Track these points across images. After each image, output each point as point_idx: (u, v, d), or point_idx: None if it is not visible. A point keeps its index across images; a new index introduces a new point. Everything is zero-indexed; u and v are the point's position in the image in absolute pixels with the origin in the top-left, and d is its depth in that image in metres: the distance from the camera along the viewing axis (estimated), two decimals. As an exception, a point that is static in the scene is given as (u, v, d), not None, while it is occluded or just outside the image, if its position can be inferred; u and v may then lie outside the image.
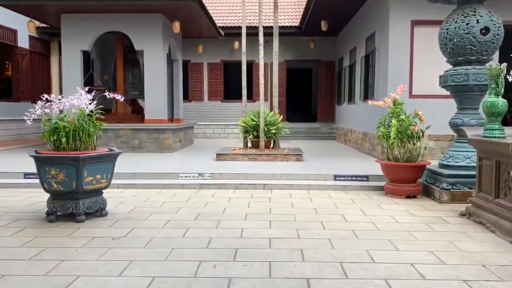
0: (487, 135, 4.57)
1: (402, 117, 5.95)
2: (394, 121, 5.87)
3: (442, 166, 6.04)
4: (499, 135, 4.50)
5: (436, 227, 4.45)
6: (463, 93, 5.90)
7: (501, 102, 4.52)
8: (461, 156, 5.89)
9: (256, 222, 4.65)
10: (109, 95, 4.94)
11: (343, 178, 6.83)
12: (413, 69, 8.94)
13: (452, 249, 3.76)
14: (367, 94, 10.88)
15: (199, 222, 4.66)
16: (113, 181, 6.48)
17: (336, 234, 4.19)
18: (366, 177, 6.85)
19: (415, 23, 8.89)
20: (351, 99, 13.05)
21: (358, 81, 12.00)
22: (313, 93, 19.76)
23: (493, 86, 4.58)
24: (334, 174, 6.91)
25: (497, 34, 5.69)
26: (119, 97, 4.97)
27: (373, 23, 10.38)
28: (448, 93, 8.69)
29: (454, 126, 6.01)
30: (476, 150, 4.83)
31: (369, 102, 6.47)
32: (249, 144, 9.64)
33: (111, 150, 4.98)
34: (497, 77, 4.54)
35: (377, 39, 10.02)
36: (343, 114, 14.55)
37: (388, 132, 6.00)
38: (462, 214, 4.90)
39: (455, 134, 6.25)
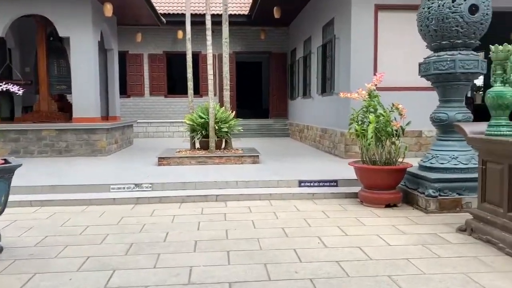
0: (492, 132, 3.69)
1: (380, 111, 5.01)
2: (371, 116, 4.91)
3: (425, 168, 5.18)
4: (507, 132, 3.64)
5: (438, 250, 3.51)
6: (448, 83, 5.05)
7: (510, 92, 3.65)
8: (447, 157, 5.04)
9: (210, 254, 3.49)
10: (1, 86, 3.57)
11: (309, 184, 5.82)
12: (377, 59, 8.11)
13: (473, 287, 2.82)
14: (325, 87, 9.99)
15: (131, 258, 3.42)
16: (26, 197, 5.11)
17: (318, 270, 3.12)
18: (335, 182, 5.88)
19: (379, 7, 8.06)
20: (306, 93, 12.15)
21: (314, 73, 11.09)
22: (263, 87, 18.76)
23: (499, 72, 3.71)
24: (298, 179, 5.87)
25: (486, 14, 4.88)
26: (15, 88, 3.59)
27: (331, 9, 9.47)
28: (416, 85, 8.05)
29: (438, 121, 5.16)
30: (478, 151, 3.96)
31: (341, 94, 5.48)
32: (198, 145, 8.42)
33: (6, 162, 3.61)
34: (505, 61, 3.67)
35: (336, 26, 9.13)
36: (297, 110, 13.65)
37: (363, 129, 5.05)
38: (461, 229, 4.02)
39: (437, 130, 5.41)
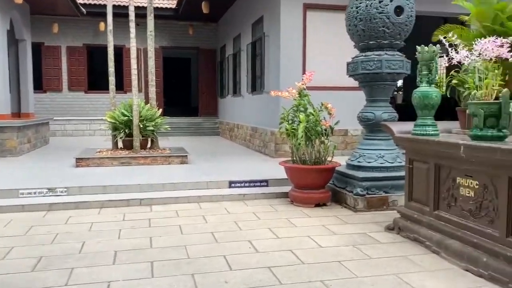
0: (418, 132, 3.74)
1: (311, 110, 4.96)
2: (302, 115, 4.83)
3: (352, 167, 5.22)
4: (432, 132, 3.71)
5: (369, 251, 3.49)
6: (375, 83, 5.12)
7: (435, 92, 3.73)
8: (374, 156, 5.12)
9: (131, 266, 3.17)
10: None
11: (239, 185, 5.64)
12: (306, 58, 8.14)
13: (405, 288, 2.80)
14: (255, 85, 9.90)
15: (38, 275, 3.00)
16: None
17: (249, 278, 2.94)
18: (266, 182, 5.76)
19: (307, 6, 8.09)
20: (236, 91, 11.99)
21: (244, 71, 10.96)
22: (193, 84, 18.32)
23: (425, 72, 3.76)
24: (229, 180, 5.67)
25: (411, 16, 5.01)
26: None
27: (260, 7, 9.38)
28: (342, 84, 8.21)
29: (365, 120, 5.22)
30: (405, 151, 4.01)
31: (272, 93, 5.36)
32: (121, 145, 7.90)
33: None
34: (430, 62, 3.74)
35: (265, 24, 9.05)
36: (227, 108, 13.45)
37: (294, 129, 4.96)
38: (389, 228, 4.05)
39: (364, 129, 5.48)
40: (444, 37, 4.04)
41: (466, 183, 3.22)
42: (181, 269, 3.10)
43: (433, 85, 3.78)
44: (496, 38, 3.71)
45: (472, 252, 3.05)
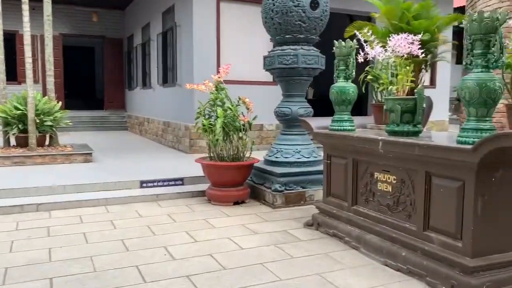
0: (336, 127, 3.73)
1: (228, 105, 4.75)
2: (219, 110, 4.61)
3: (270, 163, 5.13)
4: (349, 127, 3.72)
5: (291, 250, 3.39)
6: (291, 78, 5.06)
7: (352, 87, 3.74)
8: (291, 151, 5.08)
9: (25, 285, 2.72)
10: None
11: (152, 185, 5.27)
12: (220, 51, 7.92)
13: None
14: (167, 77, 9.45)
15: None
16: None
17: (166, 290, 2.67)
18: (181, 180, 5.46)
19: (220, -3, 7.86)
20: (146, 83, 11.39)
21: (154, 62, 10.42)
22: (97, 75, 17.15)
23: (342, 68, 3.76)
24: (140, 180, 5.27)
25: (325, 11, 5.03)
26: None
27: (171, -5, 8.94)
28: (258, 79, 8.14)
29: (282, 116, 5.15)
30: (323, 146, 3.98)
31: (187, 86, 5.04)
32: (13, 142, 7.02)
33: None
34: (348, 57, 3.74)
35: (177, 14, 8.64)
36: (136, 101, 12.75)
37: (211, 124, 4.72)
38: (309, 224, 4.01)
39: (281, 124, 5.41)
40: (358, 34, 4.09)
41: (384, 178, 3.25)
42: (86, 285, 2.72)
43: (350, 81, 3.80)
44: (408, 35, 3.82)
45: (390, 246, 3.08)
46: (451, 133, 3.92)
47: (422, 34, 3.91)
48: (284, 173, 4.82)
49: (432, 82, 10.16)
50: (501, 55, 2.44)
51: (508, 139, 2.23)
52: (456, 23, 5.57)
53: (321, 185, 4.88)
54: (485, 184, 2.53)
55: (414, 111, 3.10)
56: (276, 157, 5.10)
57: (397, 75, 3.84)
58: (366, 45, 3.99)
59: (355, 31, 4.17)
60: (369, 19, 9.47)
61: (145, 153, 8.03)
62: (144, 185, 5.23)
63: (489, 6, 4.65)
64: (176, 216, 4.34)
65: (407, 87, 3.86)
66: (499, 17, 2.42)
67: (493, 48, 2.46)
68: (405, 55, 3.83)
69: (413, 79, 3.99)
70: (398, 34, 3.86)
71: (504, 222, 2.62)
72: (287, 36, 4.96)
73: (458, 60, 14.91)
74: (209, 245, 3.49)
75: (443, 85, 10.29)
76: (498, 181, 2.56)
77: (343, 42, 3.74)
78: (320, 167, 5.00)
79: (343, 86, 3.71)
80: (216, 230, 3.89)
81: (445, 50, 6.36)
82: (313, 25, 4.94)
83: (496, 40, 2.45)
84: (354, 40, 3.80)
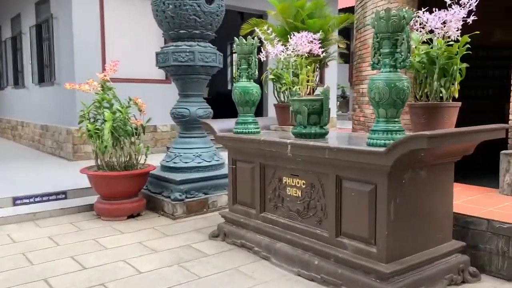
0: (240, 130, 3.49)
1: (117, 106, 4.23)
2: (107, 113, 4.07)
3: (168, 169, 4.72)
4: (254, 129, 3.50)
5: (196, 268, 3.06)
6: (188, 76, 4.70)
7: (255, 87, 3.52)
8: (191, 155, 4.73)
9: None
10: None
11: (28, 201, 4.51)
12: (106, 46, 7.21)
13: (243, 311, 2.46)
14: (44, 75, 8.39)
15: None
16: None
17: None
18: (64, 194, 4.77)
19: (104, -12, 7.14)
20: (18, 82, 10.04)
21: (28, 58, 9.20)
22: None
23: (244, 66, 3.52)
24: (12, 196, 4.47)
25: (221, 6, 4.76)
26: None
27: (45, -18, 7.92)
28: (147, 76, 7.57)
29: (179, 117, 4.77)
30: (227, 150, 3.70)
31: (67, 85, 4.37)
32: None
33: None
34: (249, 55, 3.51)
35: (53, 4, 7.69)
36: (7, 102, 11.21)
37: (98, 128, 4.16)
38: (214, 236, 3.71)
39: (178, 126, 5.02)
40: (258, 31, 3.90)
41: (292, 182, 3.09)
42: None
43: (253, 80, 3.58)
44: (308, 34, 3.72)
45: (302, 255, 2.92)
46: (356, 133, 3.93)
47: (319, 33, 3.84)
48: (184, 180, 4.45)
49: (321, 81, 10.54)
50: (409, 54, 2.39)
51: (421, 140, 2.17)
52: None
53: (224, 190, 4.64)
54: (396, 186, 2.47)
55: (321, 112, 2.98)
56: (175, 163, 4.70)
57: (298, 74, 3.74)
58: (267, 43, 3.82)
59: (256, 29, 3.97)
60: (261, 16, 9.52)
61: (18, 162, 6.99)
62: (18, 201, 4.46)
63: (378, 6, 4.81)
64: (59, 238, 3.72)
65: (309, 87, 3.78)
66: (406, 15, 2.37)
67: (400, 47, 2.41)
68: (305, 54, 3.74)
69: (312, 78, 3.92)
70: (293, 33, 3.75)
71: (414, 223, 2.60)
72: (181, 31, 4.59)
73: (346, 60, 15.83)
74: (101, 271, 3.00)
75: (331, 84, 10.74)
76: (407, 182, 2.52)
77: (244, 40, 3.49)
78: (223, 171, 4.75)
79: (246, 86, 3.48)
80: (108, 252, 3.39)
81: (336, 50, 6.51)
82: (208, 21, 4.63)
83: (403, 39, 2.39)
84: (255, 38, 3.58)
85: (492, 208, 3.16)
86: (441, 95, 2.76)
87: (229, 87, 17.24)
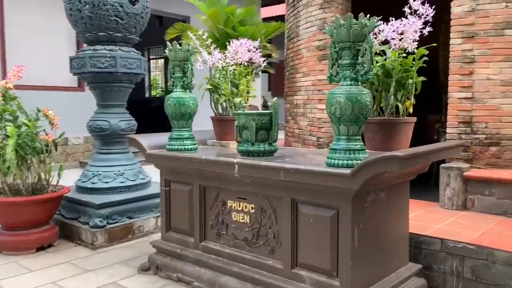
0: (175, 147, 3.08)
1: (23, 120, 3.56)
2: (11, 127, 3.39)
3: (86, 190, 4.11)
4: (191, 146, 3.11)
5: (128, 312, 2.58)
6: (108, 84, 4.15)
7: (192, 99, 3.13)
8: (112, 174, 4.17)
9: None
10: None
11: None
12: (6, 50, 6.30)
13: None
14: None
15: None
16: None
17: None
18: (-47, 224, 3.93)
19: (4, -19, 6.25)
20: None
21: None
22: None
23: (179, 75, 3.12)
24: None
25: (146, 7, 4.30)
26: None
27: None
28: (60, 84, 6.76)
29: (98, 131, 4.19)
30: (159, 170, 3.25)
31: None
32: None
33: None
34: (185, 63, 3.11)
35: None
36: None
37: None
38: (145, 269, 3.22)
39: (96, 141, 4.42)
40: (193, 37, 3.52)
41: (239, 207, 2.74)
42: None
43: (189, 90, 3.19)
44: (247, 41, 3.43)
45: (253, 289, 2.58)
46: (305, 150, 3.68)
47: (258, 41, 3.57)
48: (105, 203, 3.89)
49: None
50: (371, 66, 2.19)
51: (393, 162, 1.96)
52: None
53: (152, 213, 4.17)
54: (360, 211, 2.24)
55: (270, 127, 2.68)
56: (93, 183, 4.11)
57: (237, 85, 3.43)
58: (203, 50, 3.46)
59: (190, 34, 3.58)
60: (183, 22, 9.08)
61: None
62: None
63: (312, 16, 4.68)
64: None
65: (249, 98, 3.49)
66: (368, 23, 2.16)
67: (362, 58, 2.19)
68: (245, 63, 3.45)
69: (254, 89, 3.64)
70: (232, 40, 3.44)
71: (377, 249, 2.39)
72: (100, 33, 4.04)
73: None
74: (4, 328, 2.40)
75: (256, 94, 10.59)
76: (369, 205, 2.31)
77: (178, 45, 3.09)
78: (150, 191, 4.28)
79: (182, 97, 3.07)
80: (13, 299, 2.76)
81: (266, 59, 6.29)
82: (132, 23, 4.15)
83: (365, 49, 2.18)
84: (191, 43, 3.20)
85: (440, 225, 3.09)
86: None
87: (147, 95, 16.45)
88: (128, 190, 4.17)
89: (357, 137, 2.23)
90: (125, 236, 3.93)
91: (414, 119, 2.63)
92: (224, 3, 5.25)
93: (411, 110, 2.64)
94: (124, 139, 4.27)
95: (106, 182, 4.11)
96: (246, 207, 2.70)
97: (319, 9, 4.61)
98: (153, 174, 4.29)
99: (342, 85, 2.21)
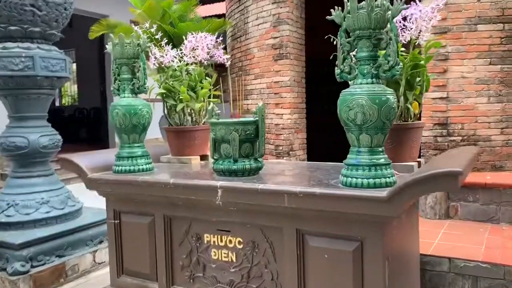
0: (125, 168, 2.41)
1: None
2: None
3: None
4: (146, 166, 2.46)
5: None
6: (23, 91, 3.32)
7: (146, 106, 2.48)
8: (34, 203, 3.33)
9: None
10: None
11: None
12: None
13: None
14: None
15: None
16: None
17: None
18: None
19: None
20: None
21: None
22: None
23: (127, 76, 2.45)
24: None
25: (71, -3, 3.53)
26: None
27: None
28: None
29: (12, 149, 3.33)
30: (105, 199, 2.54)
31: None
32: None
33: None
34: (134, 61, 2.46)
35: None
36: None
37: None
38: (91, 326, 2.50)
39: (12, 163, 3.53)
40: (139, 30, 2.86)
41: (221, 241, 2.16)
42: None
43: (140, 95, 2.53)
44: (206, 36, 2.86)
45: None
46: (301, 163, 3.11)
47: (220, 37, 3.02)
48: (27, 242, 3.06)
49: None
50: (397, 59, 1.75)
51: (451, 180, 1.52)
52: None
53: (87, 247, 3.42)
54: (389, 241, 1.79)
55: (256, 139, 2.15)
56: (8, 216, 3.25)
57: (194, 88, 2.86)
58: (154, 47, 2.83)
59: (135, 28, 2.92)
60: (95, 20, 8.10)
61: None
62: None
63: (265, 11, 4.21)
64: None
65: (210, 103, 2.93)
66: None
67: (387, 49, 1.75)
68: (205, 62, 2.89)
69: (219, 93, 3.09)
70: (191, 33, 2.86)
71: (401, 281, 1.96)
72: (12, 28, 3.21)
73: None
74: None
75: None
76: (396, 233, 1.87)
77: (126, 39, 2.43)
78: (83, 220, 3.52)
79: (133, 104, 2.41)
80: None
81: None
82: (53, 15, 3.37)
83: (390, 39, 1.74)
84: (143, 36, 2.55)
85: (435, 241, 2.78)
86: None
87: (57, 104, 14.93)
88: (56, 222, 3.36)
89: (381, 149, 1.78)
90: (56, 280, 3.13)
91: (424, 123, 2.25)
92: (159, -4, 4.59)
93: (417, 113, 2.26)
94: (46, 158, 3.49)
95: (27, 214, 3.27)
96: (230, 241, 2.12)
97: (272, 3, 4.15)
98: (82, 196, 3.53)
99: (361, 84, 1.75)
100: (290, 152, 4.23)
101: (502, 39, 3.32)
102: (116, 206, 2.47)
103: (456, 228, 3.04)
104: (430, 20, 2.06)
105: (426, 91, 2.24)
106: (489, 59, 3.34)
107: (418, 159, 2.22)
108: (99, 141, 10.78)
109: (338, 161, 2.14)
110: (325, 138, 5.32)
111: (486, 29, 3.32)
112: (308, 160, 4.52)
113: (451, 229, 3.03)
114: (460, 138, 3.42)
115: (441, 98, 3.44)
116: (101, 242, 3.53)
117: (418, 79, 2.20)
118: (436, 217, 3.28)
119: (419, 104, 2.18)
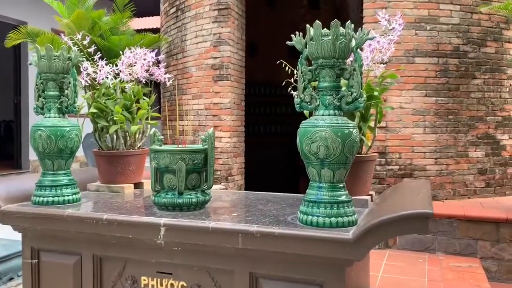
0: (46, 199, 2.08)
1: None
2: None
3: None
4: (73, 197, 2.15)
5: None
6: None
7: (75, 127, 2.17)
8: None
9: None
10: None
11: None
12: None
13: None
14: None
15: None
16: None
17: None
18: None
19: None
20: None
21: None
22: None
23: (54, 93, 2.15)
24: None
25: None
26: None
27: None
28: None
29: None
30: (22, 234, 2.16)
31: None
32: None
33: None
34: (63, 76, 2.15)
35: None
36: None
37: None
38: None
39: None
40: (69, 41, 2.56)
41: (161, 285, 1.90)
42: None
43: (68, 115, 2.22)
44: (146, 50, 2.63)
45: None
46: (243, 193, 2.86)
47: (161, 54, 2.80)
48: None
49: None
50: (361, 91, 1.66)
51: (420, 222, 1.44)
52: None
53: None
54: (349, 283, 1.67)
55: (204, 169, 1.95)
56: None
57: (129, 108, 2.61)
58: (87, 62, 2.55)
59: (65, 38, 2.61)
60: (15, 27, 7.41)
61: None
62: None
63: (205, 30, 4.03)
64: None
65: (148, 125, 2.70)
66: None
67: (350, 79, 1.66)
68: (144, 80, 2.66)
69: (158, 115, 2.85)
70: (128, 48, 2.61)
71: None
72: None
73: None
74: None
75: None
76: (353, 273, 1.76)
77: (51, 51, 2.12)
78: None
79: (60, 125, 2.10)
80: None
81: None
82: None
83: (354, 70, 1.66)
84: (74, 48, 2.26)
85: (379, 274, 2.73)
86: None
87: None
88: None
89: (342, 185, 1.67)
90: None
91: (376, 155, 2.20)
92: (89, 6, 4.23)
93: (371, 145, 2.21)
94: None
95: None
96: (172, 285, 1.88)
97: (213, 22, 3.99)
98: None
99: (324, 115, 1.64)
100: (229, 178, 4.05)
101: (437, 72, 3.45)
102: (35, 244, 2.11)
103: (396, 259, 3.04)
104: (387, 51, 2.02)
105: (379, 122, 2.19)
106: (425, 91, 3.46)
107: (370, 193, 2.16)
108: (9, 158, 9.74)
109: (274, 185, 2.01)
110: (258, 159, 5.28)
111: (422, 62, 3.44)
112: (245, 186, 4.38)
113: (392, 259, 3.02)
114: (398, 167, 3.47)
115: (380, 127, 3.48)
116: (11, 279, 3.06)
117: (372, 110, 2.15)
118: (375, 247, 3.27)
119: (374, 136, 2.13)
